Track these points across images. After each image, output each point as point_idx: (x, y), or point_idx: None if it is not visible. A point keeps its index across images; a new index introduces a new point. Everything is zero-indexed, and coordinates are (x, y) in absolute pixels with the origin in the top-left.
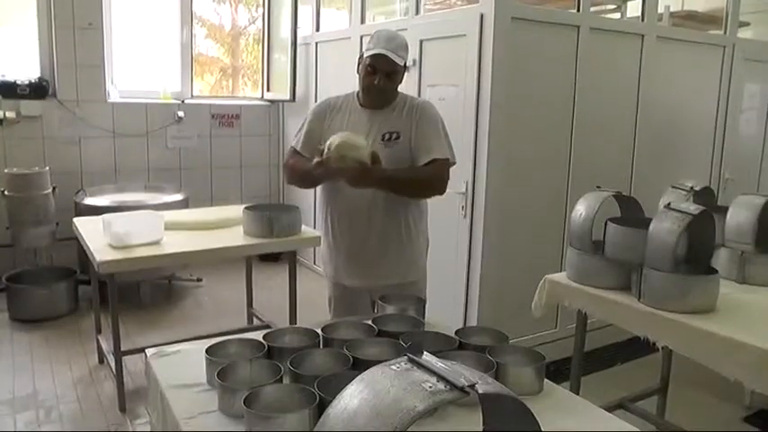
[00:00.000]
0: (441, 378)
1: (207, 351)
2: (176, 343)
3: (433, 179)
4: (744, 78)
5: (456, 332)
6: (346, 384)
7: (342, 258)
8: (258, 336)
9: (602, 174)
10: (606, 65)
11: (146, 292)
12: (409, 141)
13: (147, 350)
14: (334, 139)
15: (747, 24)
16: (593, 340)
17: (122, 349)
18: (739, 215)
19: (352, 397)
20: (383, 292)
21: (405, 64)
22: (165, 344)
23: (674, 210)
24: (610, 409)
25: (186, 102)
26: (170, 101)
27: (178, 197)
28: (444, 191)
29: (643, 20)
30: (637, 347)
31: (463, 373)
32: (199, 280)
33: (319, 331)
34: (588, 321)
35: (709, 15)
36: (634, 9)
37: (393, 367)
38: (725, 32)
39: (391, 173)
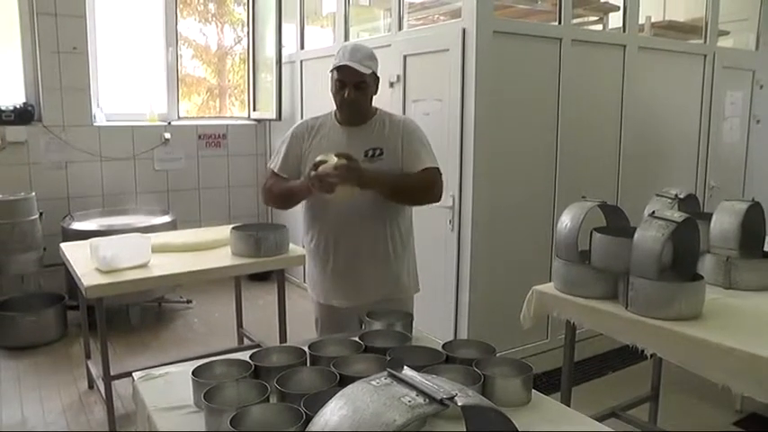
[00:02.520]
0: (420, 392)
1: (193, 373)
2: (164, 365)
3: (428, 183)
4: (725, 86)
5: (443, 346)
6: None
7: (330, 279)
8: (244, 355)
9: (588, 184)
10: (589, 76)
11: (135, 315)
12: (394, 158)
13: (134, 374)
14: (325, 157)
15: (727, 33)
16: (583, 350)
17: (112, 373)
18: (723, 221)
19: (332, 413)
20: (370, 309)
21: (375, 74)
22: (154, 367)
23: (658, 218)
24: (602, 418)
25: (173, 123)
26: (156, 123)
27: (166, 219)
28: (440, 197)
29: (625, 30)
30: (626, 356)
31: (442, 385)
32: (188, 302)
33: (306, 349)
34: (578, 331)
35: (689, 25)
36: (616, 20)
37: (373, 383)
38: (705, 41)
39: (389, 175)
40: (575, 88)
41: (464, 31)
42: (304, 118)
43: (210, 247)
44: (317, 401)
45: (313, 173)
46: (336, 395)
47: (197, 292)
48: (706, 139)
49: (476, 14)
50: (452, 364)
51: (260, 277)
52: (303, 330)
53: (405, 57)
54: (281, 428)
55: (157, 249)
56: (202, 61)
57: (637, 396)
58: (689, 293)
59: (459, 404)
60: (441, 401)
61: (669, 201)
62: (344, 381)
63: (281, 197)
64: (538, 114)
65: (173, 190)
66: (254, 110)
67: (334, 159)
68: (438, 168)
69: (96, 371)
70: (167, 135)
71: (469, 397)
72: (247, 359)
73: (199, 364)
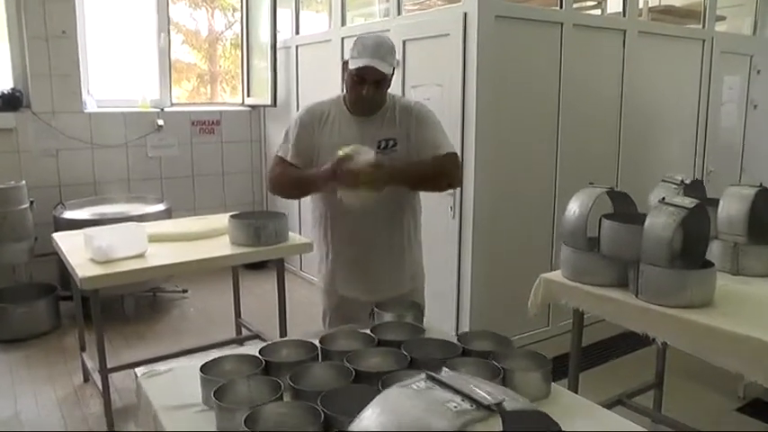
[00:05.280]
0: (465, 396)
1: (201, 369)
2: (165, 358)
3: (449, 169)
4: (723, 71)
5: (458, 338)
6: (350, 399)
7: (343, 271)
8: (252, 350)
9: (588, 169)
10: (590, 60)
11: (130, 305)
12: (407, 148)
13: (136, 370)
14: (353, 149)
15: (723, 18)
16: (585, 336)
17: (108, 366)
18: (730, 207)
19: (370, 420)
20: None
21: (393, 67)
22: (152, 359)
23: (668, 204)
24: (609, 405)
25: (166, 109)
26: (149, 109)
27: (160, 207)
28: (460, 182)
29: (624, 15)
30: (629, 342)
31: (487, 389)
32: (184, 291)
33: (317, 343)
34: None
35: (685, 10)
36: (613, 5)
37: (413, 386)
38: (703, 26)
39: (406, 164)
40: (576, 73)
41: (465, 15)
42: (301, 104)
43: (208, 237)
44: (334, 399)
45: (344, 166)
46: (373, 401)
47: (192, 281)
48: (704, 123)
49: None
50: (470, 358)
51: (256, 265)
52: (302, 320)
53: (404, 42)
54: (299, 429)
55: (154, 239)
56: (192, 47)
57: (643, 383)
58: (700, 281)
59: (508, 410)
60: (488, 407)
61: (675, 186)
62: (360, 376)
63: (294, 185)
64: (539, 99)
65: (166, 177)
66: (249, 96)
67: (364, 152)
68: (455, 153)
69: (92, 363)
70: (160, 122)
71: (516, 401)
72: (257, 354)
73: (207, 361)
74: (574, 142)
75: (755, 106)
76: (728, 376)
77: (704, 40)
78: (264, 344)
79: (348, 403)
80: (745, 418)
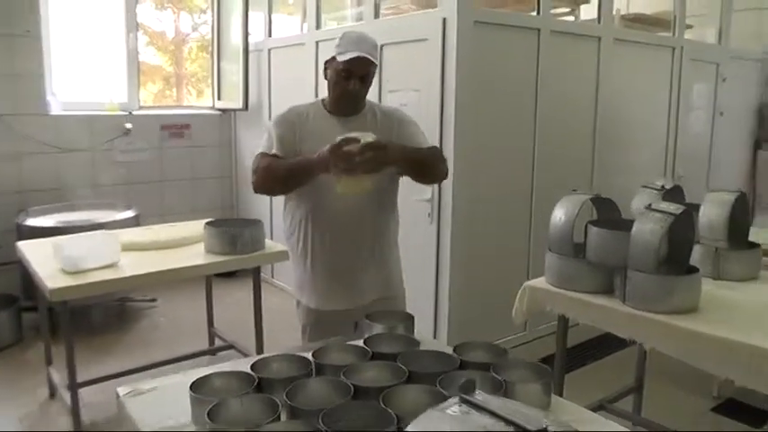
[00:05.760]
0: (507, 421)
1: (192, 387)
2: (137, 371)
3: (439, 157)
4: (692, 78)
5: (454, 349)
6: (353, 417)
7: (323, 282)
8: (242, 365)
9: (564, 174)
10: (566, 66)
11: (97, 316)
12: None
13: (118, 389)
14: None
15: (690, 27)
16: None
17: (78, 381)
18: (711, 212)
19: None
20: (365, 311)
21: (376, 65)
22: (124, 372)
23: (655, 210)
24: (591, 410)
25: (134, 113)
26: (117, 112)
27: (129, 214)
28: (447, 174)
29: (599, 22)
30: (608, 344)
31: (525, 412)
32: (153, 300)
33: (310, 357)
34: (554, 322)
35: (655, 18)
36: (585, 12)
37: (448, 411)
38: (674, 34)
39: (408, 148)
40: (552, 79)
41: (444, 20)
42: (273, 108)
43: (182, 245)
44: (336, 417)
45: (345, 147)
46: (408, 427)
47: (161, 290)
48: (675, 129)
49: (457, 3)
50: (469, 370)
51: (227, 273)
52: (276, 330)
53: (381, 46)
54: None
55: (125, 248)
56: (158, 49)
57: (623, 387)
58: (687, 286)
59: None
60: None
61: (656, 192)
62: (359, 392)
63: (286, 175)
64: (516, 105)
65: (135, 183)
66: (219, 99)
67: (363, 136)
68: (438, 147)
69: (59, 378)
70: (129, 125)
71: (561, 426)
72: (248, 370)
73: (196, 378)
74: (550, 148)
75: (721, 113)
76: (703, 377)
77: (674, 48)
78: (253, 359)
79: (351, 421)
80: (721, 418)
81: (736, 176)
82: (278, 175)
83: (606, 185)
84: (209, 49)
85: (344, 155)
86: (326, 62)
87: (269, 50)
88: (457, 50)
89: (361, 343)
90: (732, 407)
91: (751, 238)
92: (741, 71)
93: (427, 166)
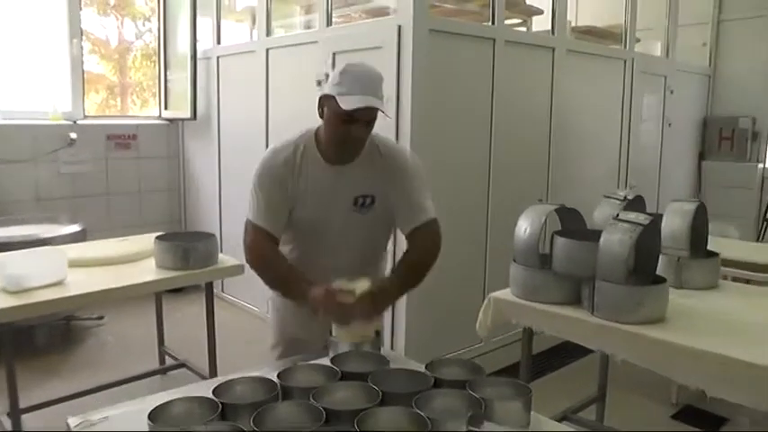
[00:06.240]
0: None
1: (150, 417)
2: (84, 394)
3: (433, 253)
4: (642, 90)
5: (426, 366)
6: None
7: (306, 318)
8: (199, 389)
9: (521, 185)
10: (521, 77)
11: (41, 335)
12: (386, 205)
13: (69, 420)
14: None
15: (638, 41)
16: (516, 352)
17: (20, 407)
18: (673, 222)
19: None
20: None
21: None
22: (70, 396)
23: (623, 221)
24: (556, 421)
25: (79, 122)
26: (61, 122)
27: (75, 228)
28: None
29: (553, 33)
30: (565, 353)
31: None
32: (100, 318)
33: (275, 379)
34: (512, 332)
35: (605, 30)
36: (537, 24)
37: None
38: (624, 47)
39: (401, 279)
40: (507, 89)
41: (400, 28)
42: (222, 117)
43: (132, 260)
44: None
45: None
46: None
47: (109, 307)
48: (627, 140)
49: (412, 11)
50: (444, 389)
51: (176, 288)
52: (229, 345)
53: (334, 54)
54: None
55: (72, 264)
56: (102, 57)
57: (586, 397)
58: (656, 297)
59: None
60: None
61: (618, 202)
62: (330, 416)
63: (274, 283)
64: (472, 116)
65: (80, 196)
66: (166, 108)
67: (363, 287)
68: (435, 218)
69: None
70: (73, 135)
71: None
72: (209, 395)
73: (154, 406)
74: (506, 158)
75: (670, 124)
76: (662, 384)
77: (625, 60)
78: (214, 382)
79: None
80: (679, 425)
81: (682, 186)
82: (267, 280)
83: (562, 196)
84: (155, 57)
85: (339, 308)
86: (322, 98)
87: (218, 58)
88: (413, 59)
89: (328, 362)
90: (690, 413)
91: (709, 247)
92: (687, 84)
93: (421, 279)
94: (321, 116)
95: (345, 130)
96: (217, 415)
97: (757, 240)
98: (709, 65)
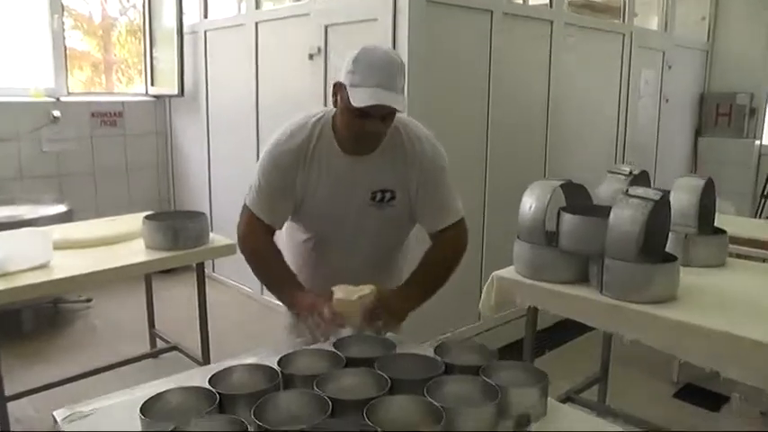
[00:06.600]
0: None
1: (142, 410)
2: (74, 380)
3: (460, 251)
4: (640, 65)
5: (434, 350)
6: None
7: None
8: (193, 377)
9: (518, 159)
10: (518, 50)
11: (27, 319)
12: (407, 204)
13: (55, 413)
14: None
15: (636, 15)
16: (513, 331)
17: (7, 394)
18: (681, 198)
19: None
20: None
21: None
22: (59, 382)
23: (633, 196)
24: (559, 402)
25: (62, 99)
26: (43, 99)
27: (61, 209)
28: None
29: (551, 6)
30: (562, 332)
31: None
32: (88, 300)
33: (275, 366)
34: (511, 310)
35: (603, 4)
36: None
37: None
38: (623, 21)
39: (420, 284)
40: (505, 63)
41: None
42: (211, 93)
43: (120, 241)
44: None
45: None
46: None
47: (97, 289)
48: (624, 115)
49: None
50: (456, 375)
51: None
52: (221, 327)
53: (326, 27)
54: None
55: (58, 246)
56: (85, 33)
57: (589, 376)
58: (667, 275)
59: None
60: None
61: (624, 177)
62: (337, 406)
63: (264, 280)
64: (469, 89)
65: (65, 175)
66: (153, 85)
67: (364, 292)
68: (462, 218)
69: None
70: (56, 112)
71: None
72: (205, 384)
73: (147, 398)
74: (504, 133)
75: (667, 100)
76: (663, 361)
77: (624, 35)
78: (210, 370)
79: None
80: (682, 404)
81: (679, 164)
82: (257, 274)
83: (559, 173)
84: (140, 33)
85: (338, 319)
86: (336, 85)
87: (205, 32)
88: (409, 31)
89: (331, 347)
90: (691, 391)
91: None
92: (685, 59)
93: (444, 281)
94: (335, 104)
95: (359, 125)
96: (214, 407)
97: (755, 217)
98: (708, 40)
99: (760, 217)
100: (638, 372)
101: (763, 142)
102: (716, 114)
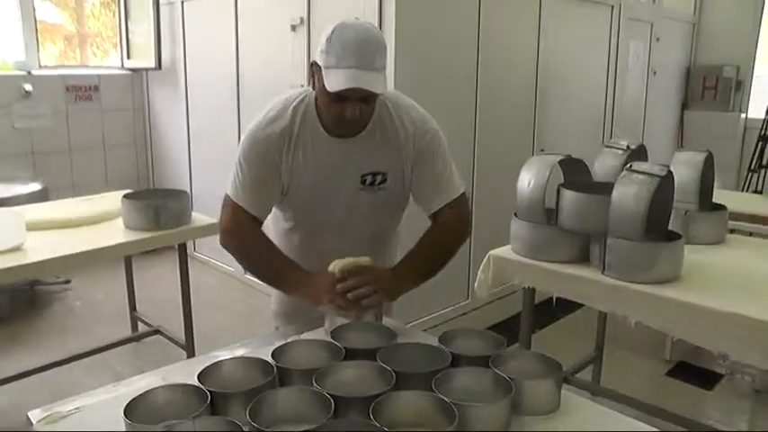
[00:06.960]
0: None
1: (126, 412)
2: (52, 367)
3: (462, 231)
4: (629, 37)
5: (439, 339)
6: None
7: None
8: (180, 370)
9: (506, 134)
10: (507, 19)
11: (2, 302)
12: (401, 185)
13: (30, 414)
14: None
15: None
16: (502, 310)
17: None
18: (682, 173)
19: None
20: None
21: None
22: (37, 369)
23: (637, 172)
24: None
25: (34, 72)
26: (13, 72)
27: (35, 187)
28: (469, 231)
29: None
30: (553, 309)
31: None
32: (67, 282)
33: (270, 359)
34: (501, 287)
35: None
36: None
37: None
38: None
39: (416, 263)
40: (493, 35)
41: None
42: (189, 66)
43: (98, 221)
44: None
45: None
46: None
47: (76, 270)
48: (612, 89)
49: None
50: (465, 368)
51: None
52: (204, 308)
53: None
54: None
55: (31, 227)
56: (57, 5)
57: (584, 357)
58: (671, 253)
59: None
60: None
61: (621, 152)
62: (340, 404)
63: (259, 272)
64: (457, 60)
65: (39, 152)
66: (129, 58)
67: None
68: (464, 193)
69: None
70: (28, 87)
71: None
72: (194, 381)
73: (132, 398)
74: (492, 106)
75: (655, 73)
76: (656, 340)
77: (612, 6)
78: (199, 363)
79: None
80: (675, 382)
81: (664, 137)
82: (248, 267)
83: (548, 146)
84: (114, 5)
85: (339, 301)
86: (312, 65)
87: (182, 3)
88: (396, 1)
89: (325, 336)
90: (683, 369)
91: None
92: (672, 32)
93: (444, 263)
94: (313, 87)
95: (339, 109)
96: (205, 407)
97: (741, 191)
98: (694, 12)
99: (747, 190)
100: (630, 350)
101: (749, 115)
102: (702, 87)
